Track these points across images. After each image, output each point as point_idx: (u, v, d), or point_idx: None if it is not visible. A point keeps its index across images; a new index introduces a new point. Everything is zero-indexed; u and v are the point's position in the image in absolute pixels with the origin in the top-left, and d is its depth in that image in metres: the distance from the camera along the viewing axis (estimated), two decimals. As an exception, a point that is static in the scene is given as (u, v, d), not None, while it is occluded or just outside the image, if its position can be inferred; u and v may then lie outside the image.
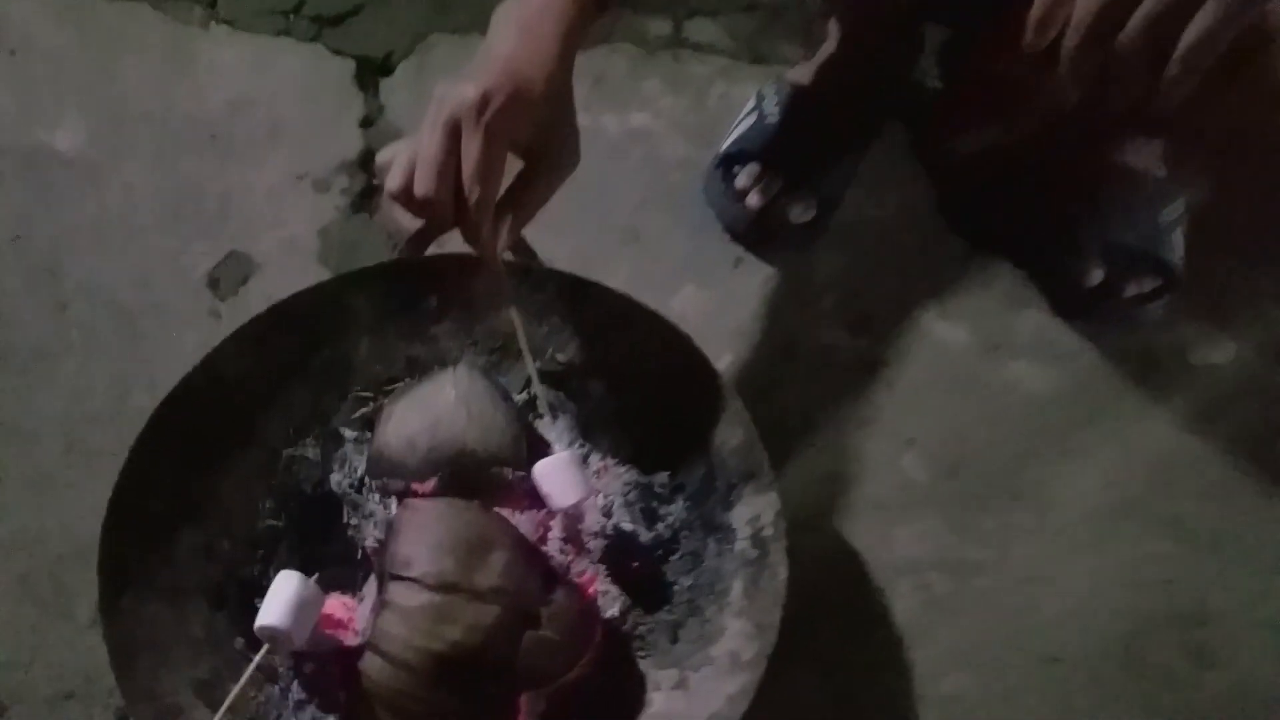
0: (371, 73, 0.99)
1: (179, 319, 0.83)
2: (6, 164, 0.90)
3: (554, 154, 0.59)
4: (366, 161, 0.94)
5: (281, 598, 0.56)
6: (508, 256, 0.65)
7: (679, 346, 0.69)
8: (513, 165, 0.59)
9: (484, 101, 0.54)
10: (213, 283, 0.86)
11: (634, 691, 0.64)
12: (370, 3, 1.01)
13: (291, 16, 1.00)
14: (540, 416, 0.72)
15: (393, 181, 0.56)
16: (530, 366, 0.62)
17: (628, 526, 0.68)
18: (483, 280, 0.69)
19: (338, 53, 0.99)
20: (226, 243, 0.87)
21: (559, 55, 0.57)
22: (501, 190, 0.58)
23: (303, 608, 0.56)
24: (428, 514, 0.62)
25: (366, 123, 0.96)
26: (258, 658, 0.55)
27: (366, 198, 0.92)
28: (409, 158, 0.56)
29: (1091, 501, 0.81)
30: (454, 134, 0.54)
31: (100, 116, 0.94)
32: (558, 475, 0.61)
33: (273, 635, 0.55)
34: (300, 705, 0.62)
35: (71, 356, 0.82)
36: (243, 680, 0.54)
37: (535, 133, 0.58)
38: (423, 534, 0.60)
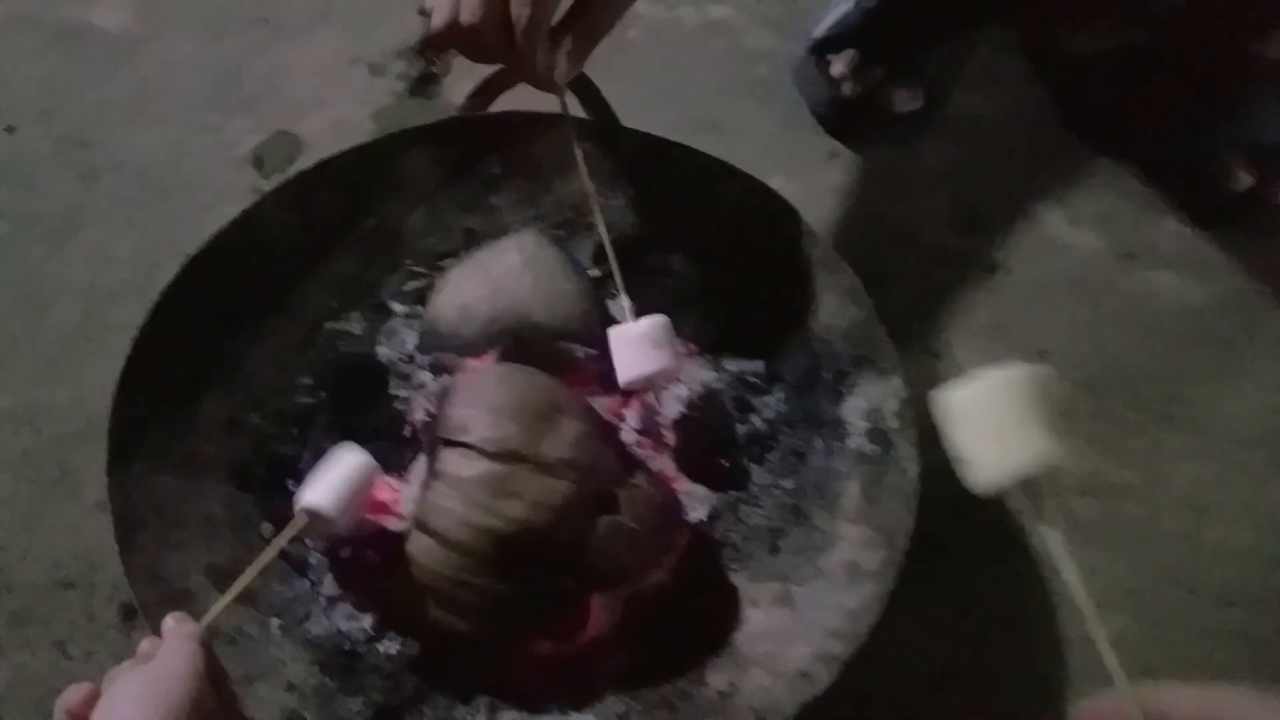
0: (433, -41, 0.92)
1: (217, 194, 0.76)
2: (41, 38, 0.84)
3: None
4: (426, 49, 0.86)
5: (335, 477, 0.46)
6: (577, 111, 0.57)
7: (779, 216, 0.60)
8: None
9: None
10: (256, 160, 0.78)
11: (725, 607, 0.55)
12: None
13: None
14: (613, 296, 0.63)
15: (438, 18, 0.50)
16: (596, 215, 0.53)
17: (715, 420, 0.58)
18: (549, 138, 0.60)
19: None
20: (272, 122, 0.80)
21: None
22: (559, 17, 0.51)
23: (356, 493, 0.47)
24: (488, 376, 0.53)
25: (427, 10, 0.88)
26: (281, 537, 0.44)
27: (425, 84, 0.84)
28: None
29: (1250, 425, 0.71)
30: None
31: (144, -5, 0.87)
32: (634, 341, 0.51)
33: (314, 517, 0.46)
34: (332, 603, 0.53)
35: (98, 226, 0.75)
36: (257, 564, 0.43)
37: None
38: (481, 395, 0.51)
